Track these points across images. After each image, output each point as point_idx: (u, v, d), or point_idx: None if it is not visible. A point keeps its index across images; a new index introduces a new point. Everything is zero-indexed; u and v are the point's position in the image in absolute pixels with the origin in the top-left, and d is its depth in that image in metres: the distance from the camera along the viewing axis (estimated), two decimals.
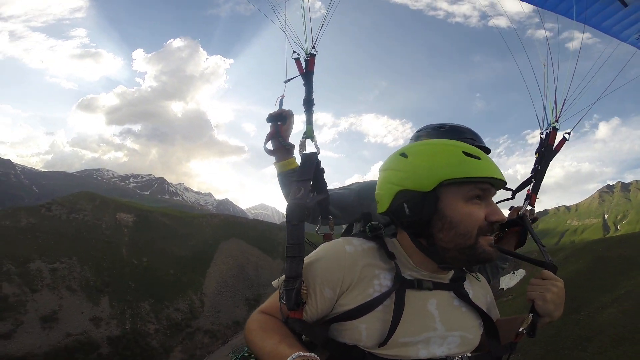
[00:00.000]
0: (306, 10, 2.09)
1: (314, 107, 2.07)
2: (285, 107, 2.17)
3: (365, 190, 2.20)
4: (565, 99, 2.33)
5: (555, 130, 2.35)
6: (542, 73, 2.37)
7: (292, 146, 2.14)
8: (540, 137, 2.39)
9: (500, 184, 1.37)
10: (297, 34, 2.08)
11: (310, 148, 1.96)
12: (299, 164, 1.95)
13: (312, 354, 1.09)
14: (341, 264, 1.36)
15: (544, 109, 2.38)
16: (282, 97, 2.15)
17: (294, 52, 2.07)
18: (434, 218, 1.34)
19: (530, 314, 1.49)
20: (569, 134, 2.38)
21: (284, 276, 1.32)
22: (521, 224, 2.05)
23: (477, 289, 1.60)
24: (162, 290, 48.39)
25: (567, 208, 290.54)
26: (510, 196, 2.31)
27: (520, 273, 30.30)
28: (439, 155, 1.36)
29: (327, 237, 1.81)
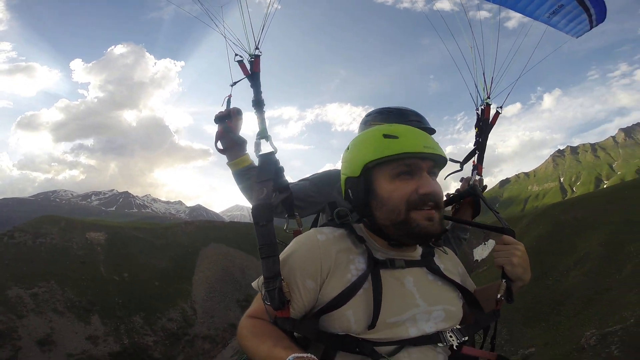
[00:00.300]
0: (245, 12, 2.07)
1: (264, 107, 2.04)
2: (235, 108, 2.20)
3: (321, 180, 2.23)
4: (492, 77, 2.45)
5: (488, 105, 2.50)
6: (472, 55, 2.45)
7: (244, 141, 2.15)
8: (477, 113, 2.52)
9: (432, 157, 1.39)
10: (238, 36, 2.06)
11: (266, 148, 1.93)
12: (253, 161, 2.13)
13: (309, 354, 1.10)
14: (316, 253, 1.39)
15: (476, 87, 2.50)
16: (229, 97, 2.14)
17: (236, 54, 2.05)
18: (370, 199, 1.42)
19: (503, 280, 1.57)
20: (501, 107, 2.53)
21: (262, 277, 1.35)
22: (473, 193, 2.13)
23: (447, 262, 1.64)
24: (151, 303, 46.09)
25: (527, 175, 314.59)
26: (459, 168, 2.38)
27: (491, 243, 32.05)
28: (364, 142, 1.45)
29: (297, 234, 1.83)
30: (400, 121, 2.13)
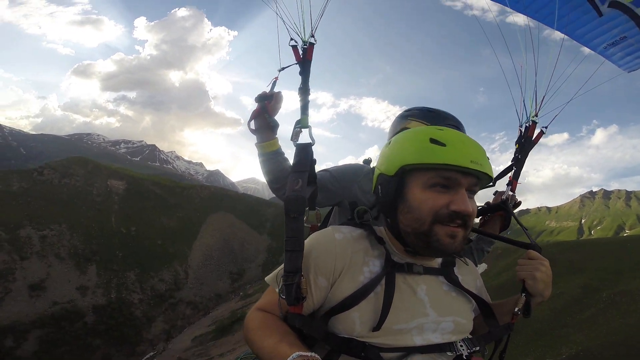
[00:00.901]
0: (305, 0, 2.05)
1: (309, 96, 1.99)
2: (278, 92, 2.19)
3: (343, 173, 2.18)
4: (544, 96, 2.44)
5: (534, 123, 2.45)
6: (525, 71, 2.48)
7: (277, 125, 2.13)
8: (520, 130, 2.48)
9: (476, 174, 1.32)
10: (294, 21, 2.02)
11: (304, 139, 1.87)
12: (280, 146, 2.12)
13: (313, 354, 1.07)
14: (332, 251, 1.36)
15: (524, 103, 2.48)
16: (276, 79, 2.13)
17: (291, 39, 2.00)
18: (399, 201, 1.35)
19: (523, 294, 1.52)
20: (545, 127, 2.49)
21: (281, 270, 1.32)
22: (504, 207, 2.07)
23: (466, 273, 1.60)
24: (149, 261, 50.10)
25: (548, 209, 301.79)
26: (492, 183, 2.19)
27: (483, 267, 32.05)
28: (408, 141, 1.37)
29: (314, 229, 1.78)
30: (438, 123, 2.10)
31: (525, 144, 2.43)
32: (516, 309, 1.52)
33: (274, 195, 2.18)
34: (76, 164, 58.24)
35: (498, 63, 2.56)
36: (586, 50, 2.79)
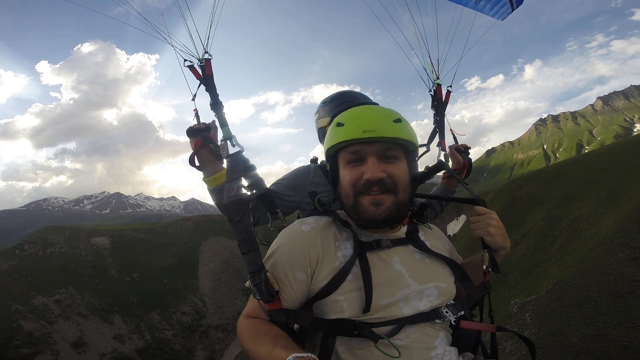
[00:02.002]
0: (188, 19, 2.06)
1: (223, 108, 2.02)
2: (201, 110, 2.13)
3: (293, 179, 2.19)
4: (438, 59, 2.52)
5: (439, 86, 2.55)
6: (420, 40, 2.53)
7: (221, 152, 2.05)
8: (430, 95, 2.58)
9: (373, 140, 1.35)
10: (184, 43, 2.02)
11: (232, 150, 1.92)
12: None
13: (309, 354, 1.07)
14: (302, 244, 1.38)
15: (425, 70, 2.56)
16: (196, 111, 2.09)
17: (185, 60, 2.02)
18: (336, 184, 1.48)
19: (485, 250, 1.52)
20: (451, 86, 2.58)
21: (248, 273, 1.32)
22: (441, 167, 2.02)
23: (434, 238, 1.62)
24: (163, 299, 49.31)
25: (511, 143, 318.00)
26: (426, 149, 2.37)
27: (463, 218, 33.88)
28: (328, 131, 1.48)
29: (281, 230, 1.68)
30: (333, 108, 2.24)
31: (438, 105, 2.56)
32: (484, 267, 1.49)
33: None
34: (52, 233, 55.33)
35: (394, 39, 2.60)
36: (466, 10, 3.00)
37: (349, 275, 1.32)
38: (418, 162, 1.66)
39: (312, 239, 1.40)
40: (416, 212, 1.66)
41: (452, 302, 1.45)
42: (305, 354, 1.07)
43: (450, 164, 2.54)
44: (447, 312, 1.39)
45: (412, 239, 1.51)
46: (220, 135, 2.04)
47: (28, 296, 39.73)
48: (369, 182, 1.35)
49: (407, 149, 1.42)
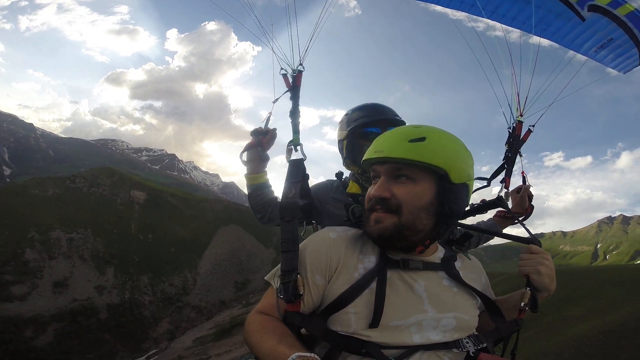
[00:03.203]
0: (293, 30, 2.21)
1: (299, 118, 2.14)
2: (276, 116, 2.30)
3: (316, 193, 2.22)
4: (526, 97, 2.46)
5: (520, 123, 2.46)
6: (505, 75, 2.50)
7: (268, 158, 2.23)
8: (508, 131, 2.50)
9: (381, 161, 1.37)
10: (284, 52, 2.17)
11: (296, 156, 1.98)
12: (268, 180, 2.26)
13: (312, 354, 1.06)
14: (325, 249, 1.38)
15: (509, 106, 2.49)
16: (270, 115, 2.24)
17: (281, 68, 2.16)
18: None
19: (528, 288, 1.47)
20: (533, 126, 2.51)
21: (278, 270, 1.35)
22: (499, 204, 1.94)
23: (470, 269, 1.56)
24: (161, 266, 54.84)
25: (564, 234, 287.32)
26: (486, 184, 2.31)
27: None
28: None
29: None
30: (353, 120, 2.27)
31: (514, 142, 2.43)
32: (522, 304, 1.45)
33: None
34: (104, 174, 64.21)
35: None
36: (574, 57, 2.77)
37: (365, 290, 1.29)
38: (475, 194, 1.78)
39: (336, 246, 1.39)
40: (457, 240, 1.67)
41: (475, 333, 1.41)
42: (308, 354, 1.06)
43: (510, 204, 2.48)
44: (467, 342, 1.34)
45: (447, 266, 1.45)
46: (270, 147, 2.23)
47: (49, 227, 47.27)
48: (370, 199, 1.37)
49: (436, 172, 1.32)
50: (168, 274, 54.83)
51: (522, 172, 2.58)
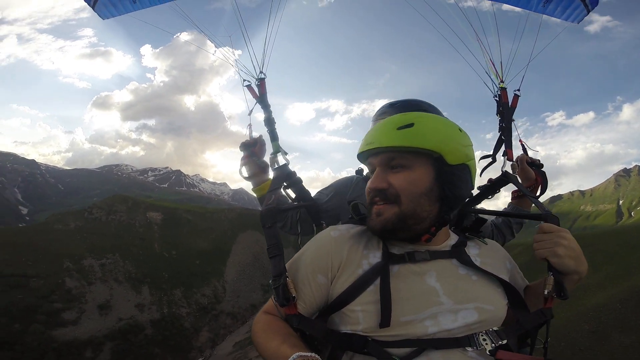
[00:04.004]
0: (248, 42, 2.20)
1: (275, 124, 2.16)
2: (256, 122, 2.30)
3: (335, 191, 2.19)
4: (501, 62, 2.40)
5: (504, 89, 2.37)
6: (475, 46, 2.45)
7: (267, 165, 2.21)
8: (495, 100, 2.39)
9: (375, 151, 1.34)
10: (243, 63, 2.17)
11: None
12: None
13: (313, 354, 1.07)
14: (327, 248, 1.36)
15: (488, 74, 2.43)
16: (250, 125, 2.26)
17: (244, 80, 2.20)
18: None
19: (550, 273, 1.34)
20: (519, 90, 2.39)
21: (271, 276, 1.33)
22: (506, 180, 1.87)
23: (488, 254, 1.48)
24: (190, 279, 56.22)
25: (582, 193, 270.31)
26: (491, 160, 2.28)
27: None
28: None
29: None
30: (376, 112, 2.16)
31: (504, 110, 2.32)
32: (546, 292, 1.33)
33: None
34: (118, 202, 65.47)
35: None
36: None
37: (370, 286, 1.26)
38: (483, 175, 1.74)
39: (338, 244, 1.37)
40: (470, 226, 1.59)
41: (494, 328, 1.28)
42: (309, 354, 1.07)
43: (519, 179, 2.20)
44: (484, 339, 1.23)
45: (457, 252, 1.38)
46: (266, 148, 2.22)
47: (81, 256, 48.60)
48: (369, 192, 1.35)
49: (431, 155, 1.29)
50: (198, 285, 56.25)
51: (520, 140, 2.44)
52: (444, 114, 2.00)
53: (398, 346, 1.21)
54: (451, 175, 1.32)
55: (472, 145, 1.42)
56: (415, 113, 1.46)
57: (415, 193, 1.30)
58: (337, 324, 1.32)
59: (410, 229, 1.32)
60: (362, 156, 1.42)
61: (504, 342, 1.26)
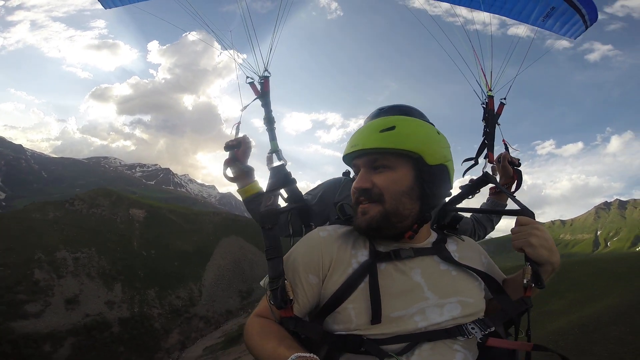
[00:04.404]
0: (253, 37, 2.17)
1: (274, 124, 2.12)
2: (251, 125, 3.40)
3: (323, 192, 2.19)
4: (491, 71, 2.50)
5: (491, 97, 2.47)
6: (470, 58, 2.54)
7: (251, 169, 2.16)
8: (482, 107, 2.49)
9: (358, 153, 1.40)
10: (248, 60, 2.14)
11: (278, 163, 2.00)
12: (261, 188, 2.13)
13: (311, 355, 1.07)
14: (317, 248, 1.39)
15: (478, 82, 2.53)
16: (239, 124, 2.20)
17: (247, 77, 2.16)
18: None
19: (527, 263, 1.40)
20: (504, 99, 2.52)
21: (268, 278, 1.33)
22: (486, 180, 1.91)
23: (465, 250, 1.55)
24: (167, 280, 55.32)
25: (562, 222, 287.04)
26: (474, 162, 2.39)
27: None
28: None
29: None
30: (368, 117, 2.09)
31: (489, 116, 2.44)
32: (525, 281, 1.38)
33: None
34: (102, 196, 64.85)
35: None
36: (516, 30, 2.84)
37: (361, 284, 1.29)
38: (465, 176, 1.84)
39: (327, 244, 1.41)
40: (447, 223, 1.69)
41: (481, 317, 1.36)
42: (307, 355, 1.07)
43: (498, 177, 2.44)
44: (473, 328, 1.29)
45: (438, 249, 1.45)
46: (249, 153, 2.18)
47: (55, 248, 47.84)
48: (355, 193, 1.40)
49: (411, 157, 1.36)
50: (174, 287, 55.42)
51: (503, 140, 2.58)
52: (442, 132, 1.83)
53: (391, 342, 1.24)
54: (431, 175, 1.39)
55: (449, 148, 1.49)
56: (396, 117, 1.49)
57: (398, 192, 1.36)
58: (329, 324, 1.34)
59: (394, 227, 1.38)
60: (348, 158, 1.47)
61: (492, 329, 1.32)
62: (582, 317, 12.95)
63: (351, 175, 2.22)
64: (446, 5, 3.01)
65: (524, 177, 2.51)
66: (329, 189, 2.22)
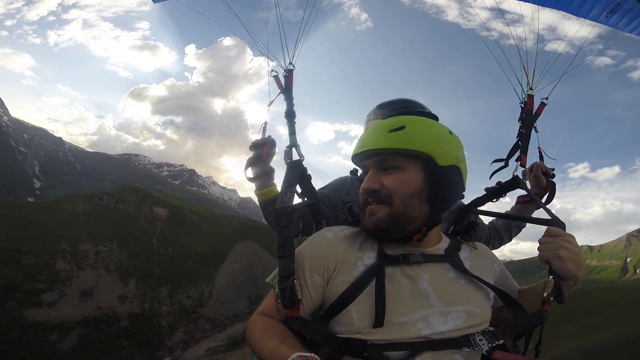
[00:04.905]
0: (281, 29, 2.17)
1: (295, 118, 2.09)
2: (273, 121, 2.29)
3: (332, 191, 2.22)
4: (534, 69, 2.37)
5: (530, 97, 2.34)
6: (511, 52, 2.41)
7: (273, 170, 2.16)
8: (520, 106, 2.34)
9: (367, 154, 1.38)
10: (274, 53, 2.15)
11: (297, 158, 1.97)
12: (279, 191, 1.90)
13: (312, 354, 1.06)
14: (323, 249, 1.38)
15: (518, 80, 2.40)
16: (265, 124, 2.21)
17: (272, 70, 2.16)
18: None
19: (551, 277, 1.34)
20: (546, 98, 2.36)
21: (276, 274, 1.33)
22: (516, 184, 1.86)
23: (478, 258, 1.51)
24: (180, 279, 57.11)
25: (590, 248, 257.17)
26: (504, 164, 2.24)
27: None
28: None
29: None
30: (391, 109, 2.13)
31: (527, 117, 2.27)
32: (545, 294, 1.33)
33: None
34: (129, 192, 67.74)
35: (488, 49, 2.37)
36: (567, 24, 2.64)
37: (367, 287, 1.28)
38: (492, 178, 1.78)
39: (334, 245, 1.40)
40: (461, 229, 1.61)
41: (490, 329, 1.32)
42: (308, 354, 1.06)
43: (529, 185, 2.30)
44: (481, 339, 1.26)
45: (450, 256, 1.42)
46: (274, 154, 2.19)
47: (79, 240, 50.81)
48: (363, 194, 1.38)
49: (422, 157, 1.33)
50: (186, 287, 57.16)
51: (539, 148, 2.43)
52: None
53: (392, 349, 1.24)
54: (441, 177, 1.36)
55: (462, 148, 1.44)
56: (406, 116, 1.49)
57: (407, 193, 1.33)
58: (332, 325, 1.33)
59: (402, 229, 1.36)
60: (356, 158, 1.47)
61: (501, 342, 1.30)
62: (587, 343, 13.02)
63: (358, 174, 2.21)
64: (480, 18, 2.84)
65: (555, 202, 2.32)
66: (338, 186, 2.24)
